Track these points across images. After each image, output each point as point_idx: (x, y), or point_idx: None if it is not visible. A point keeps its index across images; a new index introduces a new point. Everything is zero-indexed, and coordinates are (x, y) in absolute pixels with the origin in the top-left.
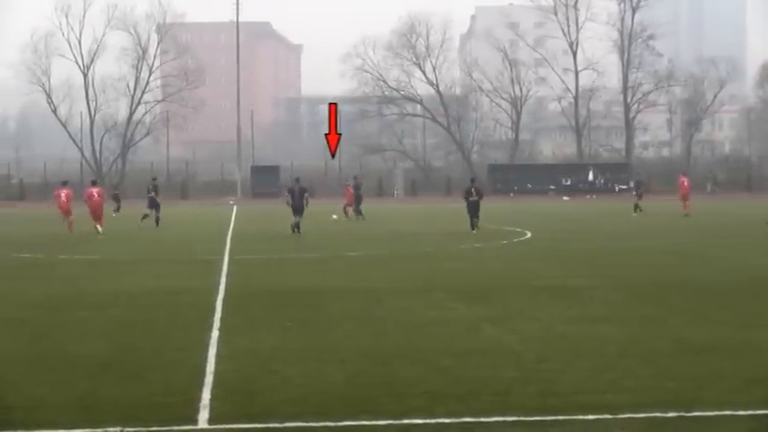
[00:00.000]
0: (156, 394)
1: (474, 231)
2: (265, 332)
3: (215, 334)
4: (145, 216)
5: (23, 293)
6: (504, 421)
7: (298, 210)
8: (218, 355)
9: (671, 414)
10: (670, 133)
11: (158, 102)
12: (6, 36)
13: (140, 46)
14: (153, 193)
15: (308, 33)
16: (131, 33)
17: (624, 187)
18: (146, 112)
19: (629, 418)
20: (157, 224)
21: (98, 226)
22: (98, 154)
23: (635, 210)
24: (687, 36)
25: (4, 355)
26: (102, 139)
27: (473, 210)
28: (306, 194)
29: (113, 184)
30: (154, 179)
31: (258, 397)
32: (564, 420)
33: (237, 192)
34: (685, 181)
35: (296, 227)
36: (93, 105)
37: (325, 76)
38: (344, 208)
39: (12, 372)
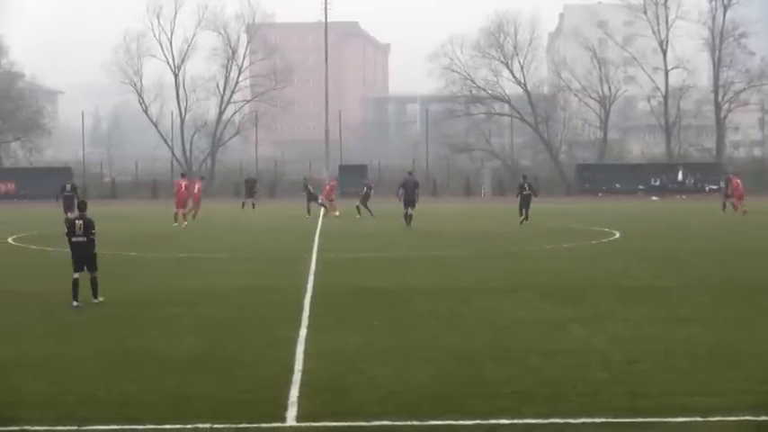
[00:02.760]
0: (245, 391)
1: (521, 224)
2: (352, 331)
3: (303, 332)
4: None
5: (113, 291)
6: (592, 422)
7: (409, 202)
8: (306, 354)
9: (763, 418)
10: (762, 132)
11: (247, 101)
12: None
13: (230, 46)
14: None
15: (395, 33)
16: (221, 34)
17: (715, 187)
18: (235, 112)
19: (719, 420)
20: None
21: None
22: (188, 153)
23: (723, 208)
24: None
25: (95, 352)
26: (192, 139)
27: (523, 203)
28: (417, 189)
29: (252, 179)
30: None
31: (345, 395)
32: (653, 423)
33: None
34: (739, 183)
35: (407, 218)
36: (183, 105)
37: (413, 76)
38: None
39: (102, 368)
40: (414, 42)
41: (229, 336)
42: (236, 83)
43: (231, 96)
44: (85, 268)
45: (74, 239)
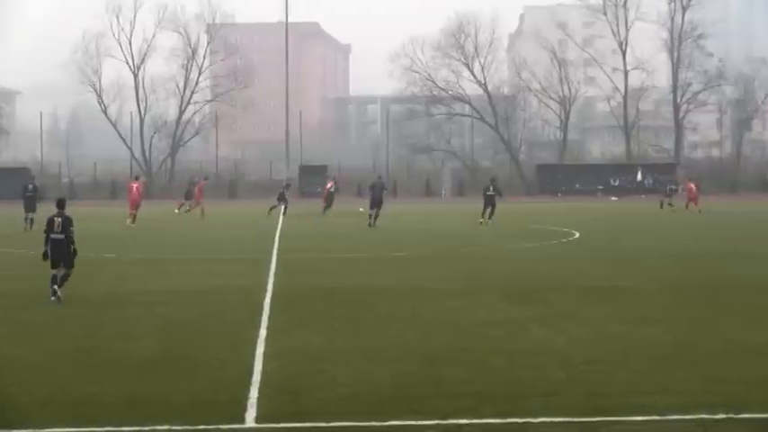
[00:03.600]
0: (204, 392)
1: (480, 222)
2: (313, 331)
3: (263, 333)
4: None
5: (71, 291)
6: (551, 422)
7: (375, 203)
8: (266, 354)
9: (720, 416)
10: (720, 133)
11: (207, 102)
12: (59, 37)
13: (190, 46)
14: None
15: (356, 33)
16: (181, 34)
17: (674, 187)
18: (195, 112)
19: (677, 419)
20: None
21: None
22: (147, 154)
23: (661, 206)
24: (737, 35)
25: (52, 354)
26: (151, 139)
27: (486, 203)
28: (385, 190)
29: (286, 183)
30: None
31: (305, 396)
32: (612, 422)
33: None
34: (693, 187)
35: (372, 218)
36: (142, 105)
37: (374, 76)
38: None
39: (59, 370)
40: (375, 43)
41: (188, 337)
42: (197, 83)
43: (191, 96)
44: (62, 264)
45: (52, 236)
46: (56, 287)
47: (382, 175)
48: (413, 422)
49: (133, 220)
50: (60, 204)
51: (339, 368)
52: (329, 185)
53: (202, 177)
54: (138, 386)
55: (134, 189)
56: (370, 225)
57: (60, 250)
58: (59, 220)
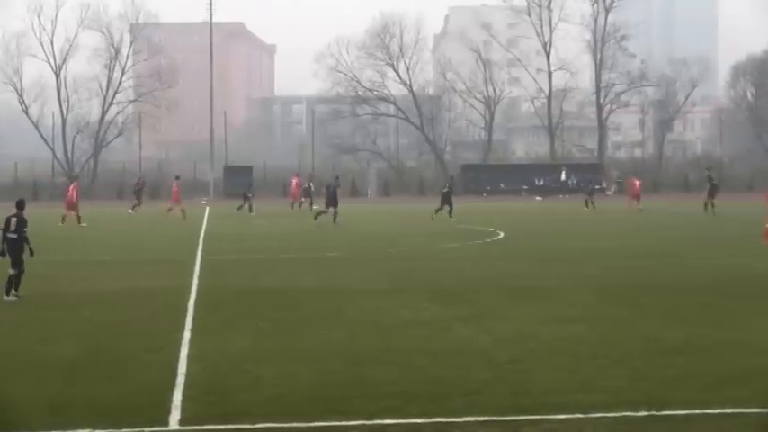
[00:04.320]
0: (127, 395)
1: (432, 219)
2: (237, 333)
3: (187, 335)
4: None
5: None
6: (475, 421)
7: (330, 203)
8: (190, 356)
9: (642, 413)
10: (642, 134)
11: (131, 102)
12: None
13: (113, 46)
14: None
15: (281, 34)
16: (104, 33)
17: (597, 187)
18: (118, 113)
19: (600, 417)
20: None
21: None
22: (70, 154)
23: (587, 204)
24: (659, 37)
25: None
26: (74, 140)
27: (443, 201)
28: (337, 190)
29: (249, 183)
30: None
31: (230, 397)
32: (535, 420)
33: (210, 192)
34: (637, 183)
35: (329, 216)
36: (65, 105)
37: (299, 77)
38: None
39: None
40: (300, 43)
41: (112, 339)
42: (120, 83)
43: (114, 97)
44: (11, 263)
45: (8, 235)
46: (12, 289)
47: (339, 175)
48: (338, 423)
49: (62, 221)
50: (19, 205)
51: (264, 369)
52: (294, 182)
53: (174, 177)
54: (61, 389)
55: (70, 190)
56: (321, 221)
57: (14, 249)
58: (15, 219)
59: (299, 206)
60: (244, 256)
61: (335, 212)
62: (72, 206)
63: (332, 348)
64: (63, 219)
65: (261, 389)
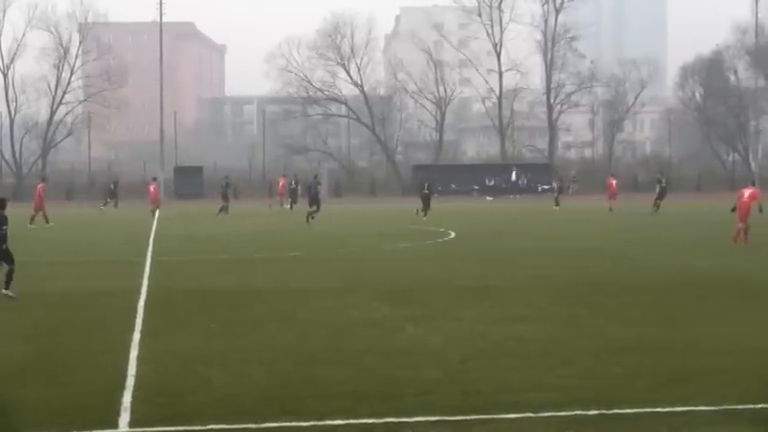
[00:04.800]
0: (77, 397)
1: (417, 215)
2: (188, 334)
3: (137, 336)
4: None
5: None
6: (426, 421)
7: (313, 201)
8: (140, 358)
9: (592, 412)
10: (592, 134)
11: (80, 102)
12: None
13: (62, 45)
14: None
15: (232, 34)
16: (52, 33)
17: (546, 187)
18: (67, 113)
19: (550, 416)
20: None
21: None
22: (18, 155)
23: (556, 203)
24: (609, 38)
25: None
26: (22, 140)
27: (423, 200)
28: (318, 188)
29: (226, 182)
30: (226, 177)
31: (180, 399)
32: (486, 419)
33: (161, 193)
34: (614, 182)
35: (309, 215)
36: (13, 106)
37: (250, 77)
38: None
39: None
40: (251, 43)
41: (60, 341)
42: (69, 83)
43: (63, 97)
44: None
45: None
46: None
47: (318, 174)
48: (288, 423)
49: (31, 221)
50: (1, 204)
51: (215, 370)
52: (281, 183)
53: (151, 178)
54: (8, 392)
55: (38, 191)
56: (307, 221)
57: None
58: None
59: (291, 207)
60: (195, 257)
61: (315, 211)
62: (39, 206)
63: (283, 349)
64: (31, 219)
65: (212, 390)
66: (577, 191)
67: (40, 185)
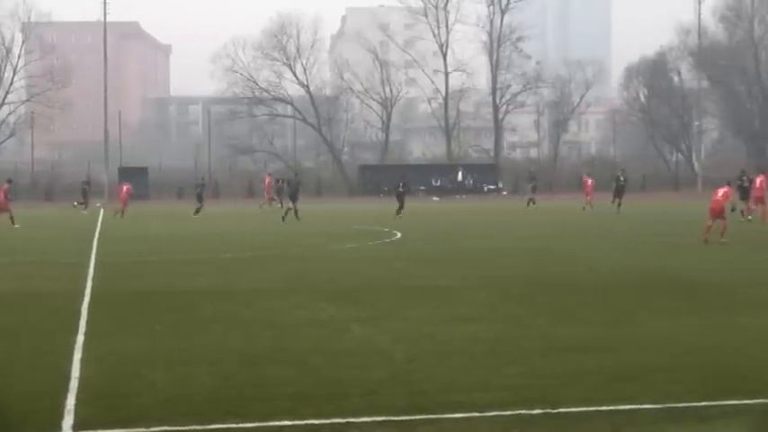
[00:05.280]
0: (19, 400)
1: (398, 216)
2: (133, 336)
3: (80, 338)
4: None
5: None
6: (372, 421)
7: (293, 198)
8: (84, 360)
9: (537, 411)
10: (538, 134)
11: (23, 102)
12: None
13: (4, 45)
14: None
15: (177, 33)
16: None
17: (492, 187)
18: (10, 113)
19: (496, 415)
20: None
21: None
22: None
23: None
24: (554, 39)
25: None
26: None
27: (398, 199)
28: (298, 186)
29: (201, 183)
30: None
31: (125, 401)
32: (432, 419)
33: (105, 193)
34: (589, 180)
35: (294, 212)
36: None
37: (195, 77)
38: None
39: None
40: (196, 43)
41: (4, 343)
42: (11, 83)
43: (6, 97)
44: None
45: None
46: None
47: (298, 173)
48: (234, 425)
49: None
50: None
51: (159, 372)
52: (267, 181)
53: (125, 180)
54: None
55: (1, 192)
56: (284, 218)
57: None
58: None
59: (280, 205)
60: (140, 258)
61: (296, 209)
62: (4, 208)
63: (228, 349)
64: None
65: (156, 392)
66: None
67: (5, 186)
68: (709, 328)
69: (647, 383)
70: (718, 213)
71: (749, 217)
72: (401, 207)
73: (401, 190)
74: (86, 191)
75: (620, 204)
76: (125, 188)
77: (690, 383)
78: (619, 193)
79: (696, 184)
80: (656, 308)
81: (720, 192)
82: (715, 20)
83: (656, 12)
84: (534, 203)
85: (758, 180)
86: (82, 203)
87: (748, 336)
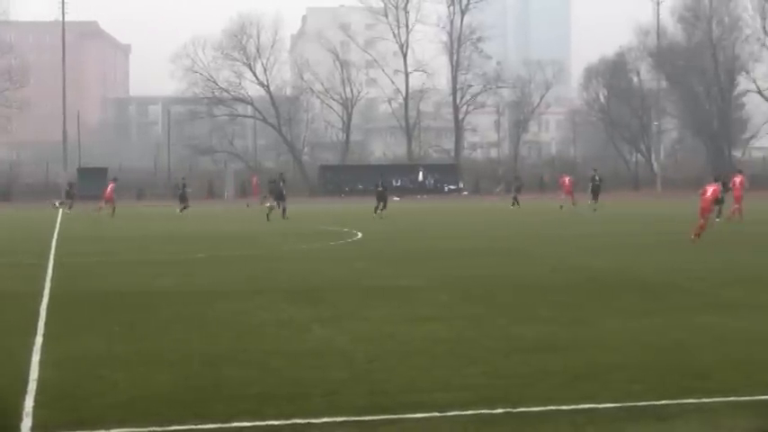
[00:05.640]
0: None
1: (375, 214)
2: (92, 337)
3: (39, 340)
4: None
5: None
6: (333, 422)
7: (278, 197)
8: (43, 362)
9: (498, 411)
10: (498, 134)
11: None
12: None
13: None
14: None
15: (136, 33)
16: None
17: (453, 187)
18: None
19: (456, 415)
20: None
21: None
22: None
23: (514, 203)
24: (514, 39)
25: None
26: None
27: (378, 198)
28: (282, 185)
29: (183, 183)
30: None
31: (84, 403)
32: (393, 419)
33: (63, 194)
34: (567, 179)
35: (282, 210)
36: None
37: (155, 77)
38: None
39: None
40: (156, 43)
41: None
42: None
43: None
44: None
45: None
46: None
47: (284, 172)
48: (194, 426)
49: None
50: None
51: (119, 374)
52: (254, 180)
53: (112, 178)
54: None
55: None
56: (269, 217)
57: None
58: None
59: (270, 205)
60: (99, 259)
61: (284, 208)
62: None
63: (188, 350)
64: None
65: (116, 393)
66: (499, 192)
67: None
68: (672, 328)
69: (607, 382)
70: (709, 212)
71: (718, 219)
72: (384, 206)
73: (380, 189)
74: (70, 192)
75: (596, 203)
76: (110, 186)
77: (650, 382)
78: (595, 192)
79: (656, 184)
80: (618, 308)
81: (710, 190)
82: (674, 20)
83: (616, 12)
84: (518, 204)
85: (737, 180)
86: (65, 203)
87: (710, 335)
